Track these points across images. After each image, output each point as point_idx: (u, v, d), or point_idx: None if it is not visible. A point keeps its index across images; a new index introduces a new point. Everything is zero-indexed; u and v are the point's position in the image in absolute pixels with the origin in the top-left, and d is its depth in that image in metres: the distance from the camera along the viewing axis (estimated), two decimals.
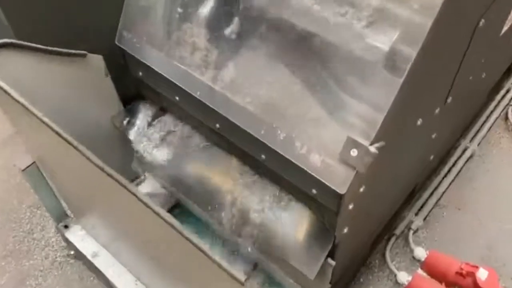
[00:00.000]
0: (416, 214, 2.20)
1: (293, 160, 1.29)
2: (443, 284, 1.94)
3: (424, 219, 2.19)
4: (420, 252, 2.07)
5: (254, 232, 1.52)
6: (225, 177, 1.62)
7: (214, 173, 1.65)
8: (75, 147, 1.09)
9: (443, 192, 2.27)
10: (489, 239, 2.15)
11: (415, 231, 2.16)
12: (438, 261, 1.99)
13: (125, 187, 1.03)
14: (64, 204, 1.90)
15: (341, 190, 1.21)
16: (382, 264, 2.10)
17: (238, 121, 1.40)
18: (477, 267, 1.86)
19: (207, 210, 1.63)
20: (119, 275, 1.74)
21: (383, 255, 2.11)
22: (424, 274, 2.00)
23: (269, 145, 1.33)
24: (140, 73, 1.68)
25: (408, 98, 1.21)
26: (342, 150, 1.18)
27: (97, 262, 1.78)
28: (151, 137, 1.79)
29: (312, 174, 1.26)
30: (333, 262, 1.44)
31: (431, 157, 2.07)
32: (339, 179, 1.21)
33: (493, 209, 2.24)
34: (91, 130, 1.75)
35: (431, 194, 2.26)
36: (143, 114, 1.80)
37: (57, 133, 1.11)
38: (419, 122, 1.47)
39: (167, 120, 1.77)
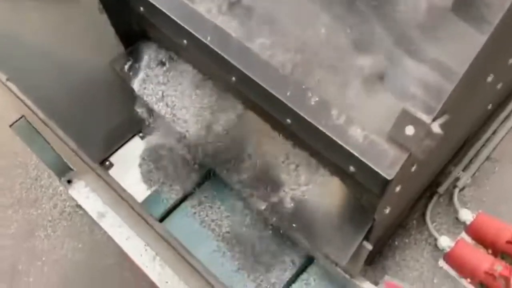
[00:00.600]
0: (464, 170, 1.92)
1: (326, 132, 1.01)
2: (490, 252, 1.71)
3: (473, 175, 1.91)
4: (466, 214, 1.82)
5: (279, 204, 1.30)
6: (249, 134, 1.37)
7: (236, 129, 1.40)
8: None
9: (497, 144, 1.96)
10: None
11: (461, 189, 1.90)
12: (487, 226, 1.74)
13: None
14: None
15: (389, 175, 0.95)
16: (421, 226, 1.87)
17: (258, 76, 1.11)
18: None
19: (227, 170, 1.40)
20: (127, 238, 1.58)
21: (423, 215, 1.88)
22: (469, 239, 1.77)
23: (296, 110, 1.05)
24: (142, 9, 1.38)
25: (491, 53, 0.89)
26: (393, 125, 0.90)
27: (103, 224, 1.62)
28: (158, 85, 1.52)
29: (351, 151, 0.99)
30: (370, 246, 1.21)
31: (489, 107, 1.75)
32: (386, 161, 0.95)
33: None
34: (89, 77, 1.50)
35: (483, 146, 1.96)
36: (148, 57, 1.51)
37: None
38: (489, 78, 1.15)
39: (177, 65, 1.49)
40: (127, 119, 1.68)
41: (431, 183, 1.88)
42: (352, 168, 1.06)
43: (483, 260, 1.64)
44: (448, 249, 1.74)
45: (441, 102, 0.85)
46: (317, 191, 1.23)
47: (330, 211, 1.22)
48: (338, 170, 1.14)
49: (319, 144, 1.08)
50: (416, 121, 0.86)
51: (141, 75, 1.50)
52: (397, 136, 0.89)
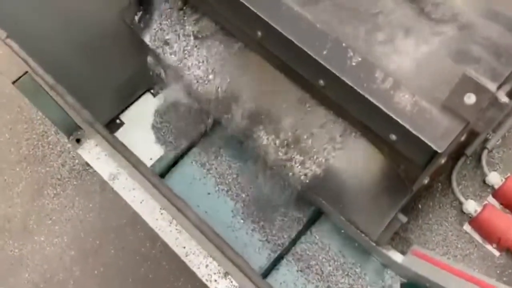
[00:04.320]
0: (493, 131, 1.81)
1: (369, 97, 0.90)
2: None
3: (503, 136, 1.81)
4: (494, 178, 1.73)
5: (308, 169, 1.21)
6: (276, 96, 1.26)
7: (263, 91, 1.29)
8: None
9: None
10: None
11: (490, 151, 1.80)
12: None
13: None
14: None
15: (440, 147, 0.85)
16: (445, 188, 1.79)
17: (287, 30, 0.98)
18: None
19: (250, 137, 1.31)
20: (141, 201, 1.51)
21: (448, 177, 1.79)
22: (496, 204, 1.70)
23: (333, 71, 0.94)
24: None
25: None
26: (451, 92, 0.79)
27: (115, 186, 1.54)
28: (172, 36, 1.39)
29: (397, 119, 0.88)
30: (404, 218, 1.13)
31: None
32: (437, 132, 0.84)
33: None
34: (96, 29, 1.37)
35: None
36: (160, 7, 1.37)
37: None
38: None
39: (193, 16, 1.35)
40: (138, 74, 1.57)
41: (458, 145, 1.78)
42: (393, 137, 0.96)
43: (511, 226, 1.58)
44: (474, 214, 1.67)
45: (510, 67, 0.74)
46: (349, 158, 1.14)
47: (363, 179, 1.13)
48: (377, 138, 1.04)
49: (358, 110, 0.97)
50: (479, 88, 0.75)
51: (153, 26, 1.37)
52: (455, 104, 0.78)
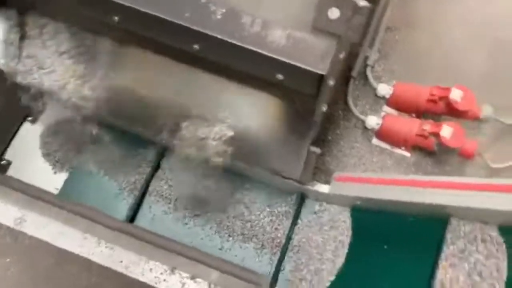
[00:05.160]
0: (370, 47, 1.93)
1: (243, 45, 0.90)
2: (414, 116, 1.78)
3: (379, 50, 1.93)
4: (383, 89, 1.85)
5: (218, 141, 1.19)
6: (160, 79, 1.21)
7: (145, 82, 1.23)
8: None
9: (391, 13, 1.98)
10: (449, 55, 1.95)
11: (372, 67, 1.92)
12: (405, 93, 1.79)
13: None
14: None
15: (323, 69, 0.87)
16: (346, 114, 1.88)
17: (144, 6, 0.93)
18: (448, 88, 1.68)
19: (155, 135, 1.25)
20: (60, 234, 1.40)
21: (345, 103, 1.88)
22: (392, 110, 1.82)
23: (201, 30, 0.91)
24: None
25: None
26: (316, 13, 0.80)
27: (27, 229, 1.41)
28: (26, 51, 1.27)
29: (276, 57, 0.89)
30: (318, 149, 1.17)
31: None
32: (316, 56, 0.87)
33: (451, 17, 1.99)
34: None
35: (379, 18, 1.96)
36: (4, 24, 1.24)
37: None
38: None
39: (36, 24, 1.24)
40: (6, 107, 1.43)
41: (344, 71, 1.87)
42: (280, 76, 0.97)
43: (412, 125, 1.70)
44: (377, 127, 1.77)
45: None
46: (247, 114, 1.13)
47: (269, 129, 1.14)
48: (264, 83, 1.04)
49: (239, 62, 0.96)
50: (340, 2, 0.77)
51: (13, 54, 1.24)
52: (323, 23, 0.80)
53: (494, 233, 1.02)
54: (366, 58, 1.91)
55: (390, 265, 1.23)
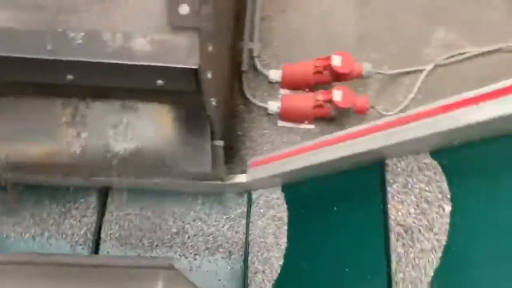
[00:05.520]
0: (251, 40, 2.02)
1: (112, 61, 0.91)
2: (308, 91, 1.90)
3: (260, 40, 2.03)
4: (274, 74, 1.95)
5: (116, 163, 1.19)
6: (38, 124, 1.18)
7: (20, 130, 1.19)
8: None
9: (262, 3, 2.09)
10: (322, 26, 2.09)
11: (259, 57, 2.01)
12: (294, 72, 1.91)
13: None
14: None
15: (194, 63, 0.91)
16: (248, 106, 1.95)
17: (2, 49, 0.92)
18: (328, 57, 1.81)
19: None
20: None
21: (244, 97, 1.96)
22: (287, 91, 1.92)
23: (69, 59, 0.92)
24: None
25: None
26: (168, 13, 0.84)
27: None
28: None
29: (148, 64, 0.92)
30: (220, 142, 1.21)
31: None
32: (184, 53, 0.90)
33: None
34: None
35: (253, 10, 2.06)
36: None
37: None
38: None
39: None
40: None
41: (234, 68, 1.94)
42: (160, 82, 0.99)
43: (307, 99, 1.81)
44: (278, 110, 1.87)
45: None
46: (144, 127, 1.15)
47: (168, 137, 1.16)
48: (150, 93, 1.07)
49: (114, 78, 0.98)
50: None
51: None
52: (178, 20, 0.85)
53: (428, 160, 1.07)
54: (251, 50, 2.00)
55: (338, 226, 1.26)
